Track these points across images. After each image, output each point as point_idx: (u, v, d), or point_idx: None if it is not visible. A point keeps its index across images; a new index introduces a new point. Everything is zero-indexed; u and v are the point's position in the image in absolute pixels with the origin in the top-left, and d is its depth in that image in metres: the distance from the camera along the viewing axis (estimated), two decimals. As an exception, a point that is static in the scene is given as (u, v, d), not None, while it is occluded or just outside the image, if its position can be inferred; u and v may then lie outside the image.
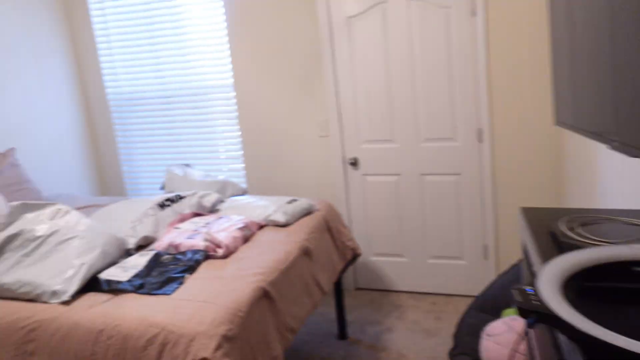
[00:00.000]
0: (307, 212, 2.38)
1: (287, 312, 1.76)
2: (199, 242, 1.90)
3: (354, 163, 3.12)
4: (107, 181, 3.90)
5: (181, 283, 1.64)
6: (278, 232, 2.14)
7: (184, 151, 3.64)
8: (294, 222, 2.27)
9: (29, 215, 1.74)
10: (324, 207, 2.51)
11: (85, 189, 3.75)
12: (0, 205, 2.49)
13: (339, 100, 3.08)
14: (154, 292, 1.58)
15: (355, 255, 2.60)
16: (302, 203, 2.36)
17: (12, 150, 2.95)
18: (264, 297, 1.64)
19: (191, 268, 1.74)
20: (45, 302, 1.57)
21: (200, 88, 3.47)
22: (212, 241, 1.88)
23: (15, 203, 1.73)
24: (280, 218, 2.20)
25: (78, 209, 2.76)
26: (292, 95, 3.19)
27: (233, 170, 3.53)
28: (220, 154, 3.55)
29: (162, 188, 2.76)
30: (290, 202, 2.34)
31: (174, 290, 1.59)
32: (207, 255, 1.87)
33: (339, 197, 3.20)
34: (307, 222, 2.27)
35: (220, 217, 2.19)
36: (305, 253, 2.06)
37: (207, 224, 2.11)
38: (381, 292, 3.25)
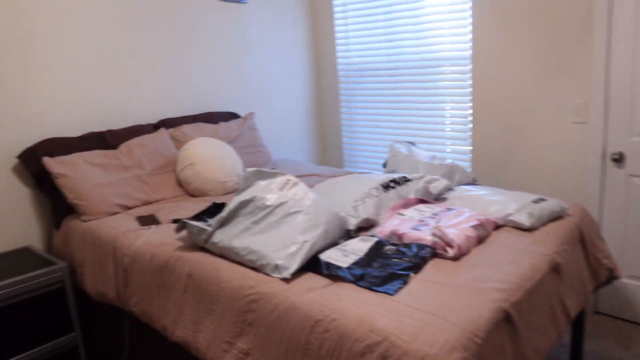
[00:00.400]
0: (557, 217, 1.93)
1: (528, 343, 1.41)
2: (426, 236, 1.66)
3: (619, 159, 2.47)
4: (327, 151, 3.96)
5: (405, 282, 1.43)
6: (520, 237, 1.76)
7: (406, 127, 3.44)
8: (539, 226, 1.85)
9: (261, 183, 1.73)
10: (577, 211, 2.02)
11: (307, 156, 3.87)
12: (238, 168, 2.66)
13: (609, 79, 2.44)
14: (375, 287, 1.40)
15: (612, 278, 2.05)
16: (552, 204, 1.92)
17: (251, 114, 3.14)
18: (505, 321, 1.32)
19: (417, 266, 1.51)
20: (267, 275, 1.53)
21: (431, 60, 3.19)
22: (442, 238, 1.61)
23: (250, 169, 1.74)
24: (525, 220, 1.80)
25: (299, 176, 2.79)
26: (542, 71, 2.66)
27: (457, 152, 3.19)
28: (446, 133, 3.24)
29: (384, 165, 2.59)
30: (536, 201, 1.92)
31: (397, 291, 1.38)
32: (434, 253, 1.61)
33: (589, 200, 2.60)
34: (557, 230, 1.83)
35: (449, 209, 1.91)
36: (555, 269, 1.64)
37: (435, 214, 1.85)
38: (631, 324, 2.58)
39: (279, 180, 1.73)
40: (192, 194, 2.54)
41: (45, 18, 2.35)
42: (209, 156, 2.55)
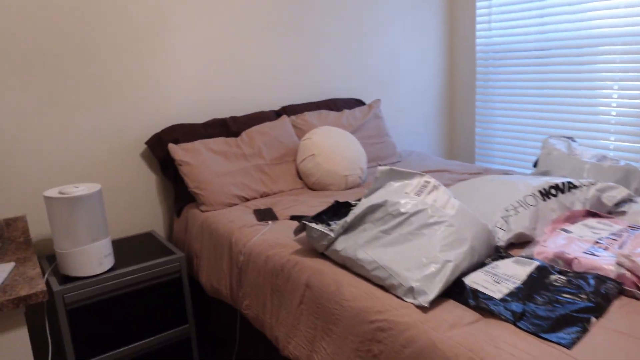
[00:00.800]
0: None
1: None
2: (607, 265, 1.27)
3: None
4: (456, 143, 3.57)
5: (584, 330, 1.08)
6: None
7: (556, 117, 2.94)
8: None
9: (394, 185, 1.46)
10: None
11: (433, 148, 3.51)
12: (361, 160, 2.41)
13: None
14: (543, 334, 1.07)
15: None
16: None
17: (377, 101, 2.87)
18: None
19: (599, 308, 1.14)
20: (397, 297, 1.27)
21: (591, 38, 2.66)
22: (633, 271, 1.22)
23: (382, 168, 1.48)
24: None
25: (426, 172, 2.48)
26: None
27: (620, 149, 2.65)
28: (610, 127, 2.69)
29: (535, 165, 2.18)
30: None
31: (573, 342, 1.04)
32: (620, 290, 1.22)
33: None
34: None
35: (634, 228, 1.48)
36: None
37: (615, 235, 1.44)
38: None
39: (416, 182, 1.45)
40: (312, 187, 2.36)
41: (173, 6, 2.31)
42: (332, 147, 2.34)
